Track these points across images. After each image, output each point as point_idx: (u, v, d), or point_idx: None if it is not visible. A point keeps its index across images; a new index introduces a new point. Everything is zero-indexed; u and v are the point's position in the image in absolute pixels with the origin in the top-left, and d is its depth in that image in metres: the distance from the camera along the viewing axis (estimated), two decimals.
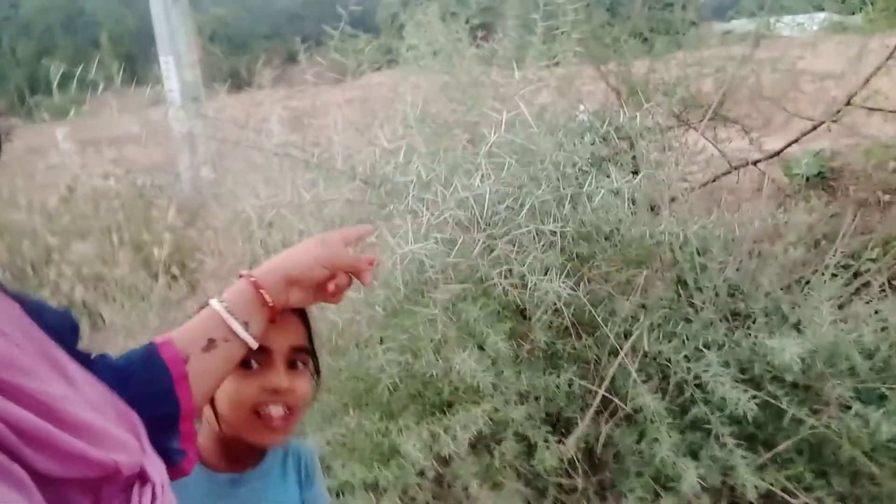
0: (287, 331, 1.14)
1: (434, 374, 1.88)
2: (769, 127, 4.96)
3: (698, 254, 2.35)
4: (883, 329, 2.04)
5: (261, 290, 0.99)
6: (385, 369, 1.87)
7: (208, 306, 0.98)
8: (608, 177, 2.03)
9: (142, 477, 0.69)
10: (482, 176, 1.62)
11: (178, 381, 0.91)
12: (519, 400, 1.95)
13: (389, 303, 1.78)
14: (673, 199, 2.65)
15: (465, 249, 1.60)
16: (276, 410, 1.12)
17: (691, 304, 2.23)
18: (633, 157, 2.72)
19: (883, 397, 2.08)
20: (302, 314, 1.18)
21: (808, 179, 5.69)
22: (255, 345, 0.98)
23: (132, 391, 0.84)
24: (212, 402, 1.12)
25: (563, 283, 1.66)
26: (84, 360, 0.82)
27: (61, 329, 0.79)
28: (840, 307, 2.22)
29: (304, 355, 1.16)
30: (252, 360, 1.11)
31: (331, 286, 1.05)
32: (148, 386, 0.88)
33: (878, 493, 2.06)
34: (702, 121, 4.13)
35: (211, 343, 0.95)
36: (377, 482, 1.92)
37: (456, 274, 1.75)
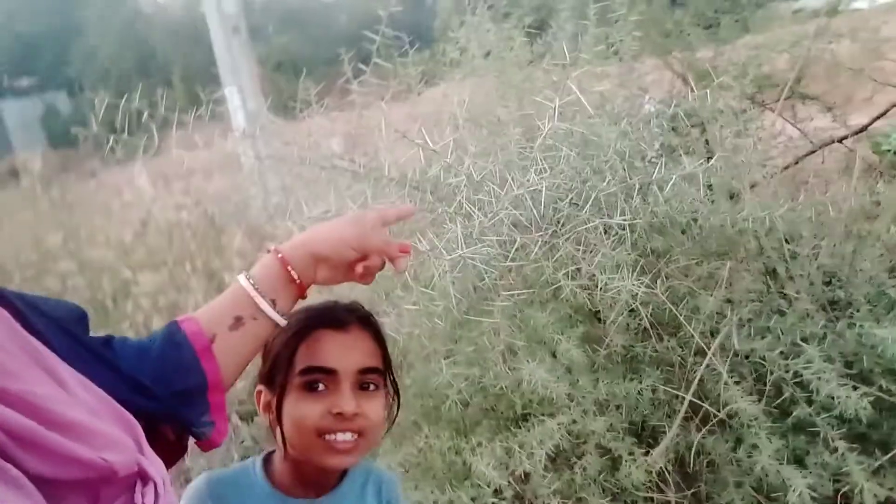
0: (354, 351, 1.10)
1: (504, 386, 1.76)
2: (852, 102, 4.64)
3: (786, 241, 2.15)
4: None
5: (288, 267, 0.98)
6: (452, 384, 1.77)
7: (236, 282, 0.97)
8: (680, 165, 1.87)
9: (142, 476, 0.69)
10: (539, 171, 1.50)
11: (201, 353, 0.90)
12: (598, 410, 1.81)
13: (450, 313, 1.67)
14: (753, 186, 2.46)
15: (525, 251, 1.48)
16: (342, 437, 1.07)
17: (783, 296, 2.03)
18: (706, 142, 2.55)
19: None
20: (375, 332, 1.14)
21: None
22: (282, 322, 0.98)
23: (155, 367, 0.85)
24: (280, 423, 1.10)
25: (638, 280, 1.51)
26: (100, 344, 0.82)
27: (67, 320, 0.79)
28: None
29: (376, 376, 1.11)
30: (318, 382, 1.08)
31: (359, 268, 1.02)
32: (171, 360, 0.88)
33: None
34: (778, 100, 3.87)
35: (238, 321, 0.93)
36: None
37: (519, 278, 1.63)
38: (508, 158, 1.58)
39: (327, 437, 1.06)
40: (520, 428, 1.80)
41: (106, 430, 0.66)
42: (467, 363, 1.78)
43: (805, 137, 3.88)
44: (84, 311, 0.84)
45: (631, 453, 1.76)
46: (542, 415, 1.80)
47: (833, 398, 1.64)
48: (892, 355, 1.66)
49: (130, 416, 0.73)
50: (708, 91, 2.33)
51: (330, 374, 1.07)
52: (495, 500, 1.82)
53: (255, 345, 0.97)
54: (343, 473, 1.20)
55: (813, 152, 3.79)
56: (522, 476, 1.87)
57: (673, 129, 2.40)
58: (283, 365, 1.09)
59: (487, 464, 1.72)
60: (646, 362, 1.93)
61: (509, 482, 1.80)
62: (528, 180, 1.45)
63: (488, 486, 1.69)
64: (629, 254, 1.65)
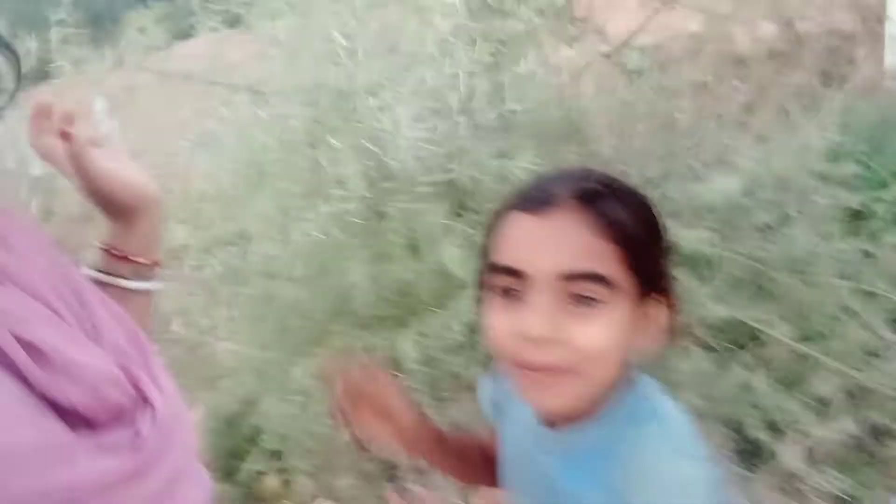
0: (555, 246, 0.75)
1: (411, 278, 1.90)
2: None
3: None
4: None
5: None
6: (361, 282, 1.87)
7: None
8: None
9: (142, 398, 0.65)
10: (437, 66, 1.64)
11: None
12: None
13: (362, 212, 1.77)
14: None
15: (452, 136, 1.62)
16: (535, 365, 0.76)
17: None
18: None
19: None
20: (604, 218, 0.75)
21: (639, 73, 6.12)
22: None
23: None
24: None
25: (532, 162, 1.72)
26: None
27: None
28: None
29: (598, 286, 0.74)
30: (507, 287, 0.77)
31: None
32: None
33: None
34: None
35: None
36: None
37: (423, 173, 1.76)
38: (405, 59, 1.69)
39: (517, 358, 0.78)
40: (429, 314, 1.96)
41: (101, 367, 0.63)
42: (374, 260, 1.89)
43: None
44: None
45: None
46: (443, 301, 1.97)
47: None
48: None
49: (146, 342, 0.73)
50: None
51: (519, 276, 0.76)
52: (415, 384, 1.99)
53: None
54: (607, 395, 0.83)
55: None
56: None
57: None
58: (481, 256, 0.84)
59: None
60: None
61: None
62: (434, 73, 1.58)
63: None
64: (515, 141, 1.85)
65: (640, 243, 0.76)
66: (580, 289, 0.73)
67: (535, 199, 0.77)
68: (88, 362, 0.60)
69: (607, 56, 4.84)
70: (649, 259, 0.78)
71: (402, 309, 1.99)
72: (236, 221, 1.81)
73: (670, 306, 0.82)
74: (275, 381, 2.16)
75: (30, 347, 0.55)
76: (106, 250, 0.82)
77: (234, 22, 2.45)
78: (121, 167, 0.80)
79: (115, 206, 0.81)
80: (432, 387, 2.14)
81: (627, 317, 0.76)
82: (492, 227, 0.82)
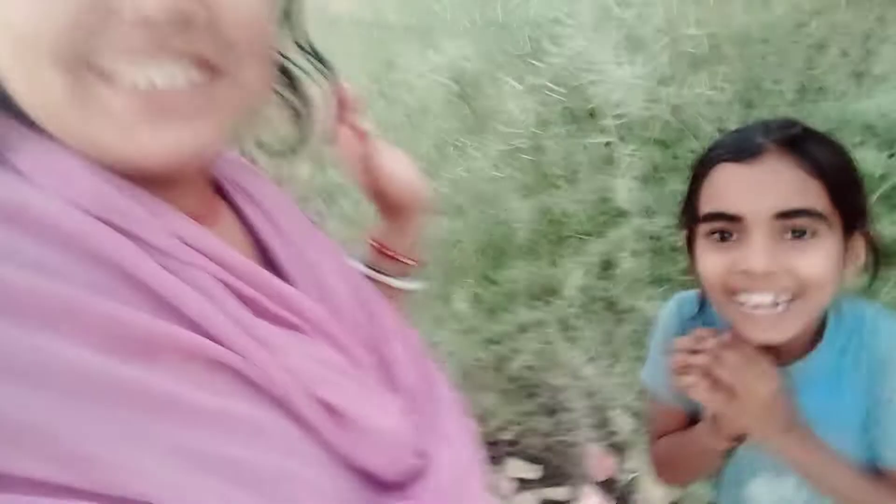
0: (767, 190, 0.84)
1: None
2: None
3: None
4: None
5: None
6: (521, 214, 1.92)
7: None
8: None
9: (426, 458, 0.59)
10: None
11: None
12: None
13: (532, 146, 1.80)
14: None
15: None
16: (757, 299, 0.86)
17: None
18: None
19: None
20: (808, 161, 0.84)
21: None
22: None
23: None
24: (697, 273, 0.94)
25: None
26: None
27: None
28: None
29: (812, 220, 0.83)
30: (723, 231, 0.88)
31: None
32: None
33: None
34: None
35: None
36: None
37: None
38: None
39: (739, 298, 0.87)
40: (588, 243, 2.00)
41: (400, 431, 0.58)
42: (533, 192, 1.93)
43: None
44: None
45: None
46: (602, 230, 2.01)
47: None
48: None
49: (429, 362, 0.69)
50: None
51: (735, 220, 0.86)
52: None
53: None
54: (820, 329, 0.97)
55: None
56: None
57: None
58: (688, 208, 0.94)
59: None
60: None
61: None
62: None
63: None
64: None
65: (842, 181, 0.86)
66: (796, 224, 0.83)
67: (743, 149, 0.86)
68: (389, 426, 0.56)
69: None
70: (851, 196, 0.87)
71: (560, 239, 2.04)
72: None
73: (869, 242, 0.92)
74: (431, 309, 2.27)
75: (331, 410, 0.51)
76: (377, 247, 0.82)
77: None
78: (403, 168, 0.80)
79: (393, 206, 0.81)
80: (586, 310, 2.21)
81: (837, 248, 0.86)
82: (697, 180, 0.93)
